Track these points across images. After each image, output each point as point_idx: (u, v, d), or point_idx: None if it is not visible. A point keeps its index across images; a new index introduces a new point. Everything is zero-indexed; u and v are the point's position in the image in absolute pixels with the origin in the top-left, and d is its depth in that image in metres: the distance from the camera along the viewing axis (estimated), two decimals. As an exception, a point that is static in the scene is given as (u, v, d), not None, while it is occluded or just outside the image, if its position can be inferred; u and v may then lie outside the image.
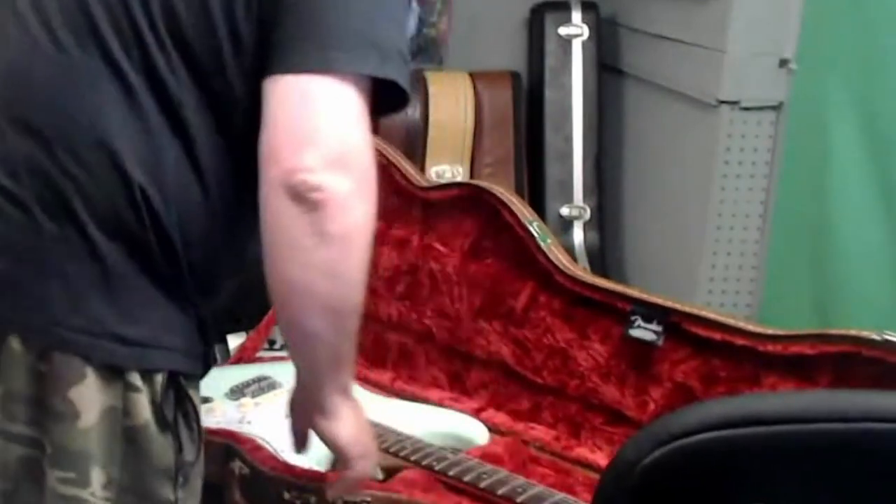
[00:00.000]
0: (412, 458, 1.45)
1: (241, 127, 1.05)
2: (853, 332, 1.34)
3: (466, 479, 1.39)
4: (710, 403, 0.78)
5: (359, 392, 1.74)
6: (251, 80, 1.03)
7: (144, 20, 1.03)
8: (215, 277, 1.12)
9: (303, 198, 0.98)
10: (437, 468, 1.42)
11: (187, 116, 1.04)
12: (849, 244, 2.09)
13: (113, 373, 1.04)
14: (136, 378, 1.04)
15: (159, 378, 1.05)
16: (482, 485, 1.37)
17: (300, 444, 1.26)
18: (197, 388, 1.12)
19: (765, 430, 0.72)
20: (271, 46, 1.01)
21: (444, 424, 1.64)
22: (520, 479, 1.38)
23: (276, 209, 1.00)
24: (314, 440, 1.53)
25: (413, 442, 1.49)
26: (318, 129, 0.99)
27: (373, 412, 1.63)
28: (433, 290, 1.79)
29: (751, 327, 1.45)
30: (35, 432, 1.05)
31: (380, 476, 1.48)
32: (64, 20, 1.04)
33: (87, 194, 1.03)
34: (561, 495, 1.34)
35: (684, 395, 1.51)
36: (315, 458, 1.51)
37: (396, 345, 1.86)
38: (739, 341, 1.44)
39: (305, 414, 1.20)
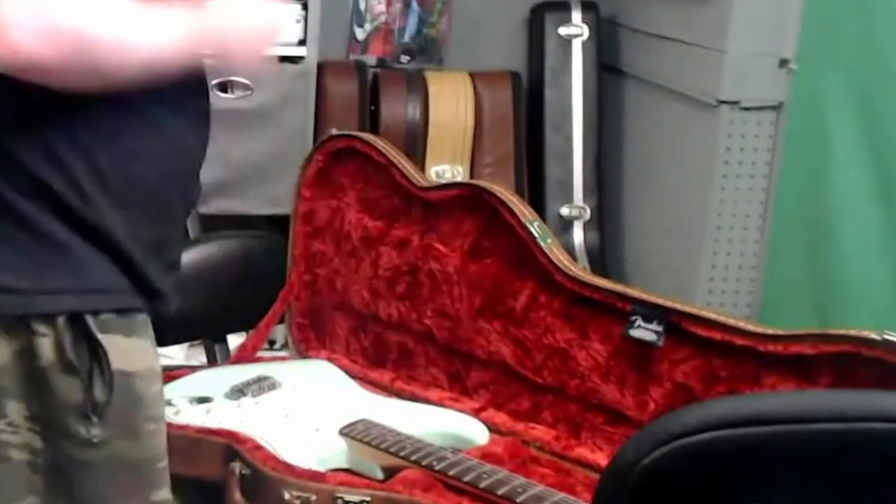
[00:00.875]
0: (412, 457, 1.45)
1: None
2: (853, 332, 1.34)
3: (466, 479, 1.39)
4: (709, 403, 0.78)
5: (359, 392, 1.76)
6: None
7: None
8: (97, 195, 1.08)
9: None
10: (437, 468, 1.42)
11: None
12: (849, 244, 2.09)
13: (16, 319, 1.07)
14: (37, 323, 1.07)
15: (60, 321, 1.07)
16: (482, 485, 1.37)
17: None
18: (124, 328, 1.11)
19: (764, 430, 0.72)
20: None
21: (444, 424, 1.64)
22: (520, 479, 1.38)
23: None
24: (314, 445, 1.54)
25: (413, 442, 1.49)
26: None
27: (373, 412, 1.64)
28: (433, 290, 1.79)
29: (751, 327, 1.45)
30: None
31: (380, 476, 1.48)
32: None
33: None
34: (561, 495, 1.34)
35: (684, 395, 1.51)
36: (315, 458, 1.52)
37: (396, 345, 1.86)
38: (740, 341, 1.44)
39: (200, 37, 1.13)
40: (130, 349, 1.12)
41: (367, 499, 1.40)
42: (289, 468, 1.47)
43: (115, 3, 1.04)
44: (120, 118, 1.09)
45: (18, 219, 1.06)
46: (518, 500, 1.33)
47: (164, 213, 1.15)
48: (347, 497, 1.41)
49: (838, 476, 0.73)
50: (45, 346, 1.08)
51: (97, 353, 1.09)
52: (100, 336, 1.09)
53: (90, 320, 1.09)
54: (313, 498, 1.42)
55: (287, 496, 1.43)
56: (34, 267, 1.07)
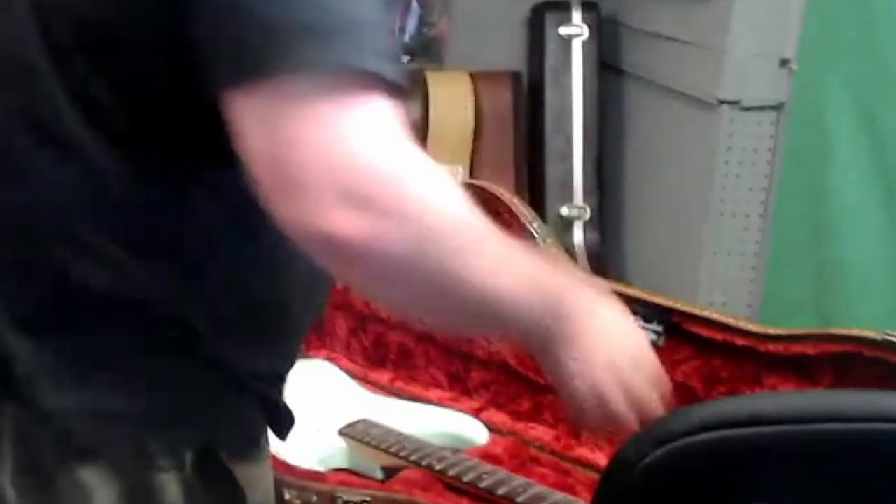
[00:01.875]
0: (412, 458, 1.45)
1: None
2: (854, 332, 1.34)
3: (466, 479, 1.39)
4: (710, 404, 0.78)
5: (359, 392, 1.75)
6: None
7: None
8: (234, 325, 0.92)
9: (315, 248, 0.79)
10: (437, 468, 1.42)
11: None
12: (849, 244, 2.09)
13: (133, 451, 0.90)
14: (162, 457, 0.90)
15: (188, 456, 0.90)
16: (482, 485, 1.37)
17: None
18: (252, 455, 0.96)
19: (765, 430, 0.72)
20: (201, 48, 0.79)
21: (444, 424, 1.64)
22: (520, 480, 1.38)
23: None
24: (314, 445, 1.54)
25: (413, 442, 1.49)
26: (301, 160, 0.76)
27: (373, 412, 1.64)
28: (434, 290, 1.78)
29: (752, 327, 1.45)
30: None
31: (380, 476, 1.48)
32: None
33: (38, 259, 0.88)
34: (561, 495, 1.33)
35: (685, 396, 1.51)
36: (315, 458, 1.52)
37: (396, 345, 1.85)
38: (740, 341, 1.44)
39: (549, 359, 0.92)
40: (259, 477, 0.97)
41: (367, 499, 1.40)
42: (289, 468, 1.47)
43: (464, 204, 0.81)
44: (269, 264, 0.91)
45: (144, 341, 0.89)
46: (518, 500, 1.33)
47: (289, 348, 1.00)
48: (347, 497, 1.41)
49: (839, 476, 0.73)
50: (170, 483, 0.90)
51: (231, 489, 0.93)
52: (232, 467, 0.92)
53: (223, 453, 0.92)
54: (313, 498, 1.42)
55: (287, 496, 1.43)
56: (160, 392, 0.89)
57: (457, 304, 0.85)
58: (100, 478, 0.90)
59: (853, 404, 0.72)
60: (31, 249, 0.88)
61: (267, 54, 0.76)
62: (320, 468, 1.48)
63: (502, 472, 1.40)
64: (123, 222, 0.87)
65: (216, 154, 0.82)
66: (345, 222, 0.75)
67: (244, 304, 0.91)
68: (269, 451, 1.00)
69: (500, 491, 1.35)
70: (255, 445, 0.97)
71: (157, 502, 0.90)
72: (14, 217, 0.89)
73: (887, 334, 1.30)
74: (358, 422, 1.58)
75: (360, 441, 1.53)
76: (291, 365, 1.00)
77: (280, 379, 0.98)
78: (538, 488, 1.35)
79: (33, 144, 0.86)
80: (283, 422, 0.99)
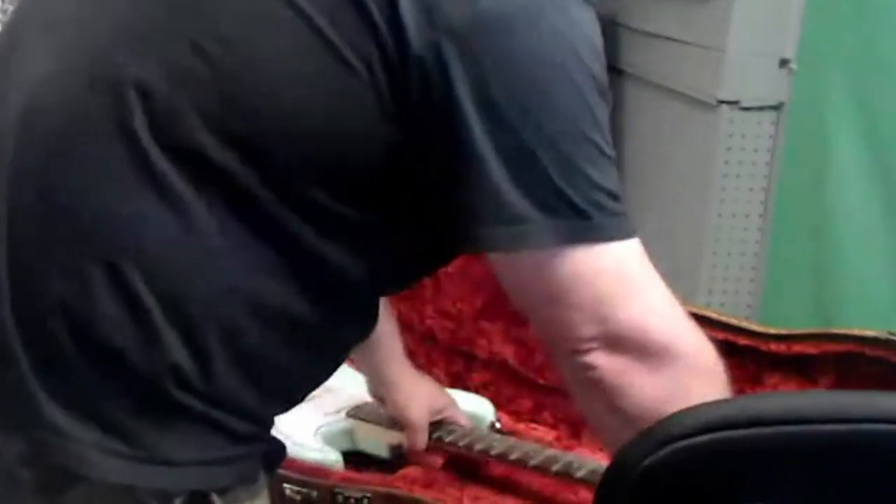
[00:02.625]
0: (461, 443, 1.46)
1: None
2: (856, 331, 1.34)
3: (478, 448, 1.41)
4: (711, 404, 0.78)
5: (365, 382, 1.75)
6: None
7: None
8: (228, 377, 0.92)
9: (581, 379, 0.90)
10: (447, 440, 1.44)
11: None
12: (849, 244, 2.09)
13: (115, 488, 0.89)
14: (148, 497, 0.89)
15: (178, 502, 0.90)
16: (493, 452, 1.38)
17: None
18: (247, 497, 0.95)
19: (766, 430, 0.72)
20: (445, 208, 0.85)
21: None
22: (531, 445, 1.41)
23: (566, 378, 0.93)
24: (322, 428, 1.54)
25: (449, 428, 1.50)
26: (553, 319, 0.88)
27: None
28: (435, 290, 1.78)
29: (753, 327, 1.45)
30: None
31: (386, 454, 1.48)
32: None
33: (79, 300, 0.88)
34: (571, 456, 1.34)
35: (686, 395, 1.51)
36: (323, 439, 1.52)
37: (397, 345, 1.86)
38: (742, 341, 1.44)
39: None
40: None
41: (368, 495, 1.40)
42: (290, 463, 1.47)
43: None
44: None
45: (137, 387, 0.89)
46: (531, 462, 1.34)
47: (299, 397, 1.03)
48: (348, 493, 1.41)
49: (842, 478, 0.73)
50: None
51: None
52: None
53: (214, 497, 0.91)
54: (314, 494, 1.42)
55: (288, 492, 1.43)
56: (149, 431, 0.89)
57: None
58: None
59: (856, 405, 0.72)
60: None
61: (514, 233, 0.84)
62: (329, 448, 1.49)
63: (511, 440, 1.42)
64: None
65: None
66: (614, 363, 0.88)
67: (281, 368, 0.95)
68: (264, 483, 0.99)
69: (513, 456, 1.38)
70: (250, 483, 0.96)
71: None
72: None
73: (890, 333, 1.30)
74: (365, 404, 1.59)
75: (368, 421, 1.54)
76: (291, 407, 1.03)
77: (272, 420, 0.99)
78: (549, 451, 1.38)
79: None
80: (276, 457, 1.00)
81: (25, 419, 0.89)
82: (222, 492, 0.92)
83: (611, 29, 2.89)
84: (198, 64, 0.85)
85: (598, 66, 0.89)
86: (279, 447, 1.00)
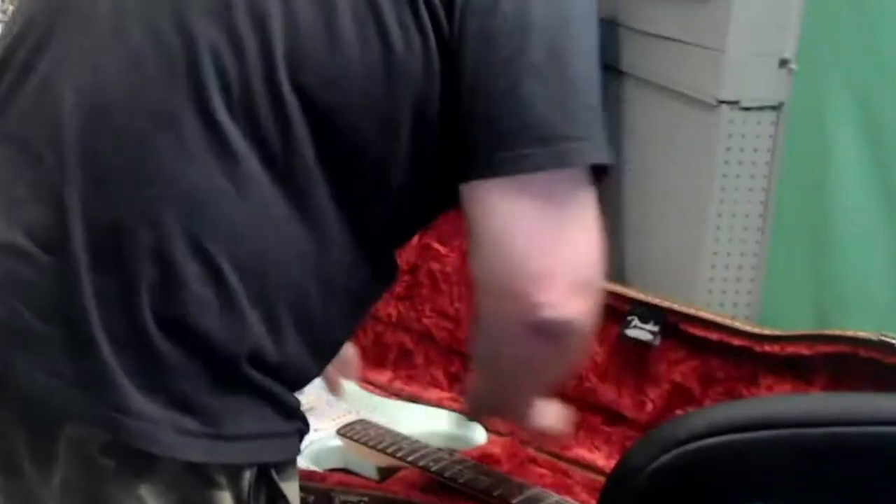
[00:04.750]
0: (409, 458, 1.45)
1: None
2: (850, 332, 1.34)
3: (462, 480, 1.39)
4: (717, 407, 0.78)
5: (357, 392, 1.75)
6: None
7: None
8: (309, 363, 0.99)
9: (549, 333, 0.92)
10: (433, 469, 1.42)
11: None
12: (849, 244, 2.09)
13: (190, 466, 0.92)
14: (219, 474, 0.92)
15: (247, 475, 0.93)
16: (479, 486, 1.37)
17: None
18: (294, 474, 1.00)
19: (772, 433, 0.72)
20: (468, 140, 0.88)
21: (443, 424, 1.64)
22: (516, 481, 1.38)
23: (512, 337, 0.94)
24: (311, 444, 1.54)
25: (410, 442, 1.50)
26: (557, 253, 0.89)
27: (371, 412, 1.64)
28: (433, 290, 1.79)
29: (748, 328, 1.45)
30: None
31: (376, 476, 1.48)
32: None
33: (165, 278, 0.90)
34: (557, 497, 1.34)
35: (682, 396, 1.51)
36: (312, 457, 1.52)
37: (396, 345, 1.86)
38: (737, 342, 1.44)
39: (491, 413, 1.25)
40: (297, 494, 1.00)
41: (365, 499, 1.40)
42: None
43: None
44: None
45: (213, 364, 0.92)
46: (513, 501, 1.33)
47: (333, 357, 1.07)
48: (344, 497, 1.41)
49: (847, 480, 0.73)
50: (225, 500, 0.92)
51: None
52: (283, 486, 0.96)
53: (273, 471, 0.95)
54: (310, 498, 1.42)
55: (285, 496, 1.44)
56: (221, 409, 0.92)
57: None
58: (155, 493, 0.92)
59: (861, 408, 0.72)
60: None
61: (540, 153, 0.87)
62: (316, 468, 1.49)
63: (499, 474, 1.41)
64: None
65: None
66: (578, 307, 0.90)
67: (333, 339, 1.01)
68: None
69: (497, 493, 1.35)
70: (294, 463, 1.00)
71: None
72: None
73: (883, 335, 1.30)
74: (356, 422, 1.59)
75: (357, 441, 1.54)
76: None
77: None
78: (534, 490, 1.35)
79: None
80: (307, 432, 1.02)
81: (107, 406, 0.90)
82: (278, 467, 0.96)
83: (611, 29, 2.88)
84: (266, 35, 0.88)
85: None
86: (307, 427, 1.02)
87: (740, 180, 2.37)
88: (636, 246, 2.85)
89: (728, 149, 2.35)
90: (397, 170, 0.92)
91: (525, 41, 0.87)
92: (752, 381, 1.43)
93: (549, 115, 0.88)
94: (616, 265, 2.86)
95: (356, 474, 1.50)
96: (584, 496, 1.47)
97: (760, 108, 2.33)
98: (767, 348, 1.41)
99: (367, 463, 1.51)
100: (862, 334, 1.32)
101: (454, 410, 1.70)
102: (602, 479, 1.52)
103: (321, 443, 1.55)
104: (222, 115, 0.88)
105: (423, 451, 1.48)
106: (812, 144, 2.18)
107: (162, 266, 0.89)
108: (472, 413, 1.29)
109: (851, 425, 0.71)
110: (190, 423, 0.90)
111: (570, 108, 0.89)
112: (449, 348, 1.78)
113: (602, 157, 0.91)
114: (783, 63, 2.26)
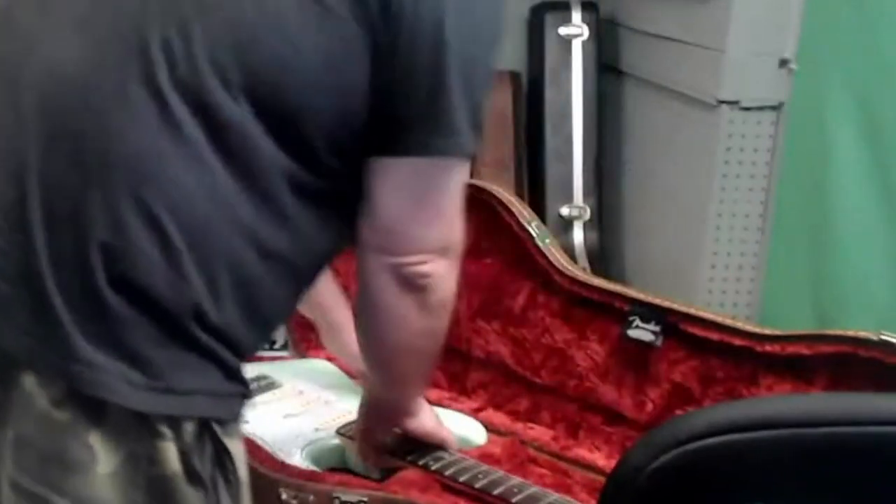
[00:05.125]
0: (408, 458, 1.45)
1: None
2: (850, 332, 1.34)
3: (462, 479, 1.39)
4: (717, 407, 0.78)
5: (358, 392, 1.75)
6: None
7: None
8: (259, 328, 1.07)
9: (412, 284, 1.08)
10: (433, 468, 1.42)
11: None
12: (849, 244, 2.09)
13: (136, 417, 0.98)
14: (162, 425, 0.98)
15: (189, 427, 0.99)
16: (477, 485, 1.37)
17: (378, 455, 1.42)
18: (238, 433, 1.05)
19: (773, 433, 0.72)
20: (387, 125, 1.02)
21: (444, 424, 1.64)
22: (515, 480, 1.38)
23: (383, 290, 1.09)
24: (311, 445, 1.54)
25: (409, 442, 1.49)
26: (430, 220, 1.06)
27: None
28: (432, 291, 1.79)
29: (748, 328, 1.45)
30: (45, 492, 0.99)
31: (377, 476, 1.48)
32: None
33: (114, 236, 0.96)
34: (556, 496, 1.34)
35: (682, 396, 1.51)
36: (312, 457, 1.52)
37: (396, 345, 1.85)
38: (737, 342, 1.44)
39: (389, 422, 1.38)
40: (242, 455, 1.05)
41: (365, 499, 1.40)
42: (286, 468, 1.47)
43: None
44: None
45: (158, 319, 0.98)
46: (513, 500, 1.33)
47: (272, 329, 1.13)
48: (345, 497, 1.41)
49: (850, 480, 0.73)
50: (170, 451, 0.98)
51: (223, 462, 1.02)
52: (227, 442, 1.02)
53: (216, 426, 1.01)
54: (311, 498, 1.42)
55: (285, 496, 1.44)
56: (166, 363, 0.98)
57: (431, 353, 1.21)
58: (104, 441, 0.97)
59: (863, 407, 0.72)
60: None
61: (438, 139, 1.02)
62: (317, 468, 1.49)
63: (498, 473, 1.40)
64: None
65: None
66: (437, 265, 1.08)
67: (277, 296, 1.07)
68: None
69: (496, 491, 1.35)
70: (237, 421, 1.05)
71: (157, 470, 0.98)
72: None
73: (883, 335, 1.30)
74: (356, 421, 1.58)
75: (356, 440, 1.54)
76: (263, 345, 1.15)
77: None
78: (533, 489, 1.35)
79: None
80: (248, 400, 1.08)
81: (59, 355, 0.97)
82: (221, 423, 1.02)
83: (611, 29, 2.89)
84: (212, 18, 0.97)
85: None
86: (250, 392, 1.08)
87: (740, 180, 2.37)
88: (636, 246, 2.85)
89: (728, 149, 2.36)
90: (332, 144, 1.02)
91: (440, 51, 1.00)
92: (752, 381, 1.43)
93: (449, 113, 1.02)
94: (616, 265, 2.87)
95: (356, 474, 1.50)
96: (583, 496, 1.47)
97: (760, 108, 2.33)
98: (768, 348, 1.41)
99: (367, 462, 1.51)
100: (862, 334, 1.32)
101: (454, 410, 1.70)
102: (602, 479, 1.52)
103: (321, 442, 1.55)
104: (167, 88, 0.96)
105: (422, 451, 1.48)
106: (812, 144, 2.18)
107: (111, 225, 0.96)
108: (367, 438, 1.41)
109: (852, 425, 0.71)
110: (136, 375, 0.97)
111: (463, 109, 1.02)
112: (449, 348, 1.77)
113: (473, 149, 1.07)
114: (783, 63, 2.26)
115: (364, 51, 0.99)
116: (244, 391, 1.06)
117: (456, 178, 1.07)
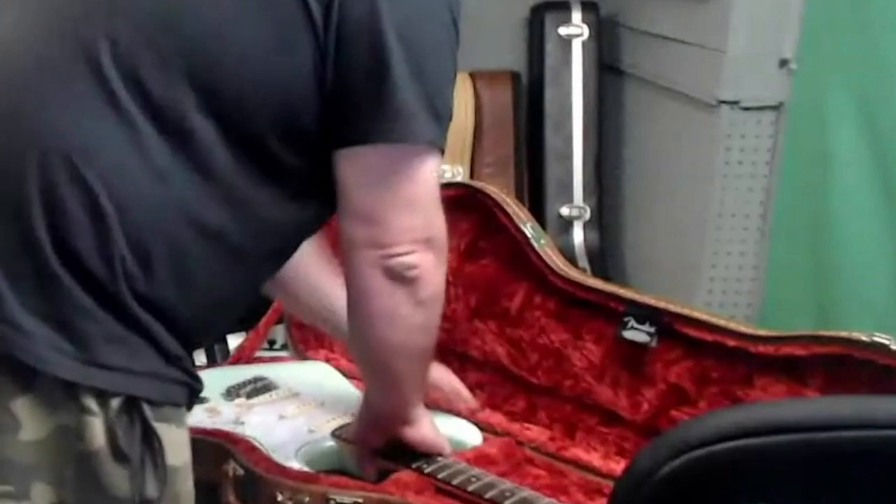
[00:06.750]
0: (402, 460, 1.45)
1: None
2: (844, 333, 1.33)
3: (455, 482, 1.39)
4: (726, 412, 0.77)
5: (356, 394, 1.75)
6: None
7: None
8: (203, 321, 1.08)
9: (401, 276, 1.10)
10: (426, 471, 1.42)
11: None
12: (849, 244, 2.09)
13: (65, 389, 0.98)
14: (90, 400, 0.99)
15: (115, 403, 0.99)
16: (470, 489, 1.37)
17: (374, 458, 1.42)
18: (175, 419, 1.05)
19: (782, 438, 0.71)
20: (348, 114, 1.03)
21: (440, 426, 1.64)
22: (507, 484, 1.38)
23: (373, 288, 1.11)
24: (306, 446, 1.55)
25: (404, 444, 1.50)
26: (405, 207, 1.07)
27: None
28: (429, 291, 1.79)
29: (742, 328, 1.44)
30: None
31: (372, 478, 1.48)
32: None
33: (48, 202, 0.98)
34: (548, 500, 1.34)
35: (677, 396, 1.51)
36: (306, 459, 1.52)
37: (394, 345, 1.85)
38: (731, 342, 1.44)
39: (387, 431, 1.39)
40: (178, 442, 1.05)
41: (360, 500, 1.40)
42: (282, 470, 1.47)
43: None
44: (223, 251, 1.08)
45: (89, 288, 0.99)
46: (505, 503, 1.33)
47: (220, 324, 1.16)
48: (340, 499, 1.41)
49: (861, 484, 0.72)
50: (96, 426, 0.99)
51: (151, 444, 1.02)
52: (155, 424, 1.01)
53: (145, 406, 1.01)
54: (306, 499, 1.42)
55: (280, 497, 1.43)
56: (97, 335, 0.99)
57: (424, 351, 1.24)
58: (32, 409, 0.98)
59: (874, 411, 0.72)
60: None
61: (389, 123, 1.02)
62: (311, 470, 1.49)
63: (490, 477, 1.40)
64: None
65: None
66: (423, 257, 1.09)
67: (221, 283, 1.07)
68: (186, 422, 1.09)
69: (488, 495, 1.35)
70: (176, 406, 1.06)
71: (84, 445, 0.99)
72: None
73: (876, 336, 1.29)
74: (350, 423, 1.58)
75: (352, 443, 1.54)
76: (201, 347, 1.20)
77: (192, 355, 1.11)
78: (525, 492, 1.35)
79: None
80: (197, 395, 1.09)
81: None
82: (153, 404, 1.02)
83: (611, 29, 2.89)
84: (157, 10, 1.00)
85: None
86: (200, 388, 1.09)
87: (740, 180, 2.37)
88: (636, 246, 2.85)
89: (728, 149, 2.36)
90: (283, 133, 1.03)
91: (376, 33, 1.02)
92: (746, 382, 1.42)
93: (396, 96, 1.03)
94: (616, 265, 2.86)
95: (351, 476, 1.50)
96: (580, 496, 1.47)
97: (760, 108, 2.33)
98: (762, 349, 1.40)
99: (363, 466, 1.51)
100: (855, 335, 1.31)
101: (448, 413, 1.70)
102: (598, 479, 1.52)
103: (316, 444, 1.55)
104: (110, 70, 0.99)
105: (416, 454, 1.48)
106: (812, 144, 2.18)
107: (47, 191, 0.98)
108: (364, 442, 1.43)
109: (862, 429, 0.71)
110: (65, 345, 0.98)
111: (412, 93, 1.03)
112: (446, 349, 1.78)
113: (441, 138, 1.08)
114: (783, 63, 2.26)
115: (305, 31, 1.00)
116: (188, 380, 1.06)
117: (422, 168, 1.07)
